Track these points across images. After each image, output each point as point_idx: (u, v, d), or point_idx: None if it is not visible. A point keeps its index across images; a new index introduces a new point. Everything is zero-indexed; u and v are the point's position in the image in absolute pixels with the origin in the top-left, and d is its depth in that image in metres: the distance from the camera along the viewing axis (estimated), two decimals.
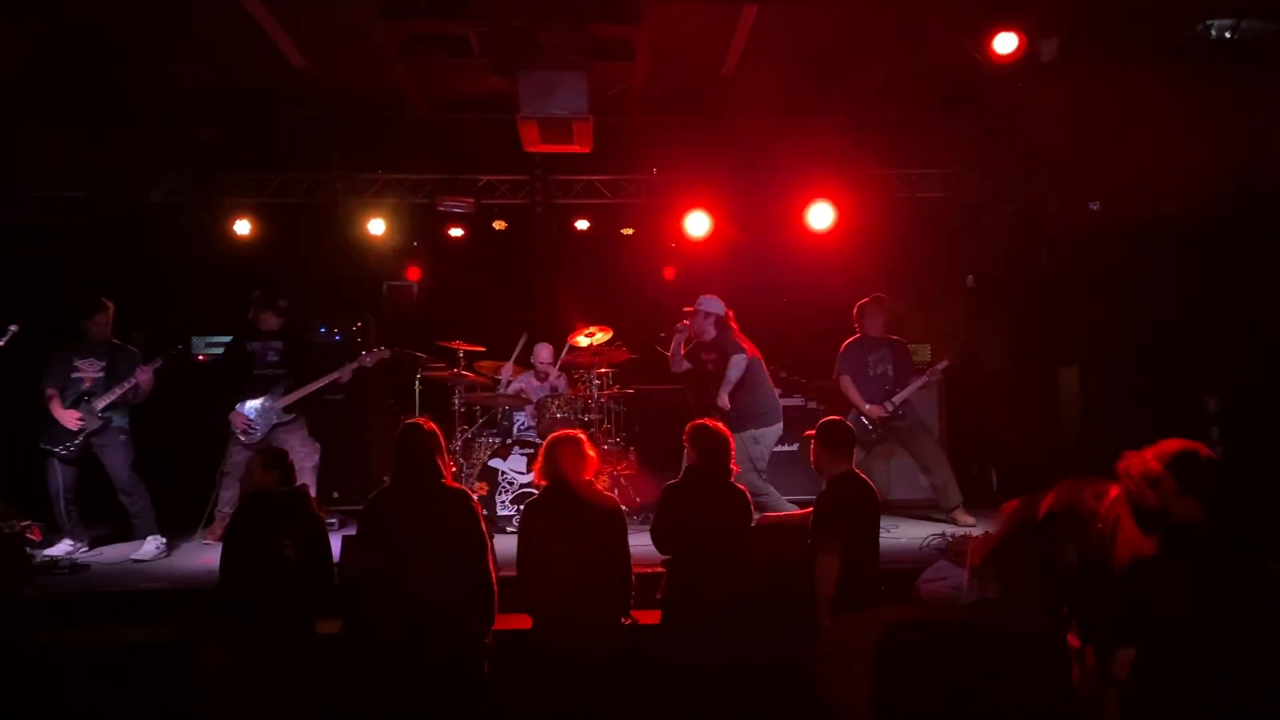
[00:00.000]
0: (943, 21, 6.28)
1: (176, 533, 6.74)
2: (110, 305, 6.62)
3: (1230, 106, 5.90)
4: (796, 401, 7.99)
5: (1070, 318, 7.99)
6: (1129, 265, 7.16)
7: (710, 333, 6.90)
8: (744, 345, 6.83)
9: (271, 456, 4.57)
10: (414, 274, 9.65)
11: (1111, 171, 7.10)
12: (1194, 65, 5.87)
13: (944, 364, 7.21)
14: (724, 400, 6.64)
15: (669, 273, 9.70)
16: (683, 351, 7.04)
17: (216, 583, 4.45)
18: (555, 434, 4.56)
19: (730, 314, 6.98)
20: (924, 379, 7.08)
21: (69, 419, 6.34)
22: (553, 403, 7.44)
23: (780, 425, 6.82)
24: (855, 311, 7.23)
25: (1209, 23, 5.65)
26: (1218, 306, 6.70)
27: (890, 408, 6.94)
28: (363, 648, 4.21)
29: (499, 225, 9.16)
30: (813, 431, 4.76)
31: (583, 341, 7.99)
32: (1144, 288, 7.13)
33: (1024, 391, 8.36)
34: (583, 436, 4.52)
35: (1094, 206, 7.40)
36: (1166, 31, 5.91)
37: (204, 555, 6.44)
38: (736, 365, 6.63)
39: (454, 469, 6.96)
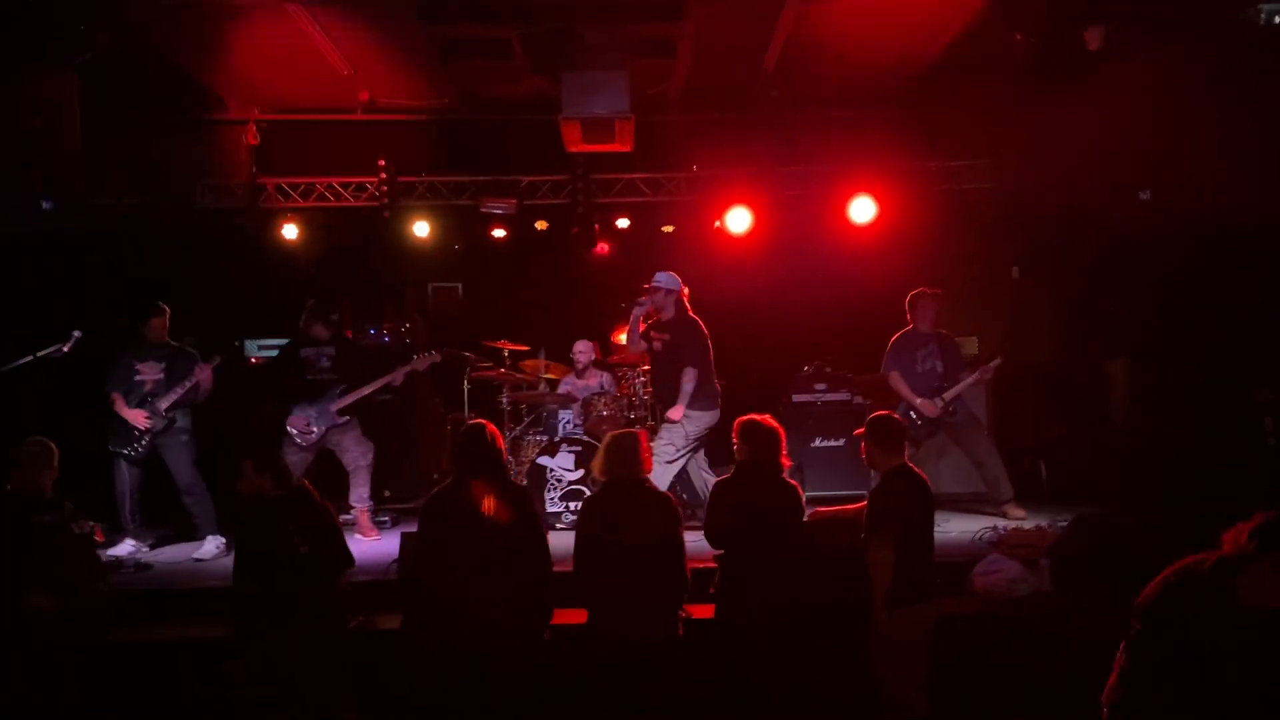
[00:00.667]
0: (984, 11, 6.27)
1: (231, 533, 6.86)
2: (166, 308, 6.77)
3: None
4: (842, 396, 7.97)
5: (1119, 308, 7.90)
6: (1179, 255, 7.07)
7: (669, 312, 6.86)
8: (701, 330, 6.81)
9: (264, 460, 4.63)
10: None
11: (1161, 160, 7.02)
12: (1245, 51, 5.79)
13: (997, 362, 7.13)
14: (678, 413, 6.62)
15: (602, 248, 9.66)
16: (641, 329, 7.01)
17: (232, 586, 4.58)
18: (616, 431, 4.64)
19: (686, 294, 6.93)
20: (976, 376, 7.02)
21: (138, 418, 6.49)
22: (599, 400, 7.50)
23: (716, 415, 6.77)
24: (907, 302, 7.17)
25: (1260, 7, 5.57)
26: (1270, 296, 6.61)
27: (941, 404, 6.90)
28: (422, 642, 4.29)
29: (541, 225, 9.22)
30: (863, 429, 4.75)
31: (624, 339, 8.03)
32: (1195, 277, 7.05)
33: (1073, 384, 8.29)
34: (642, 434, 4.58)
35: (1144, 196, 7.29)
36: (1216, 16, 5.83)
37: None
38: (690, 378, 6.60)
39: None
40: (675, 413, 6.61)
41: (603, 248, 9.48)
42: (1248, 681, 2.95)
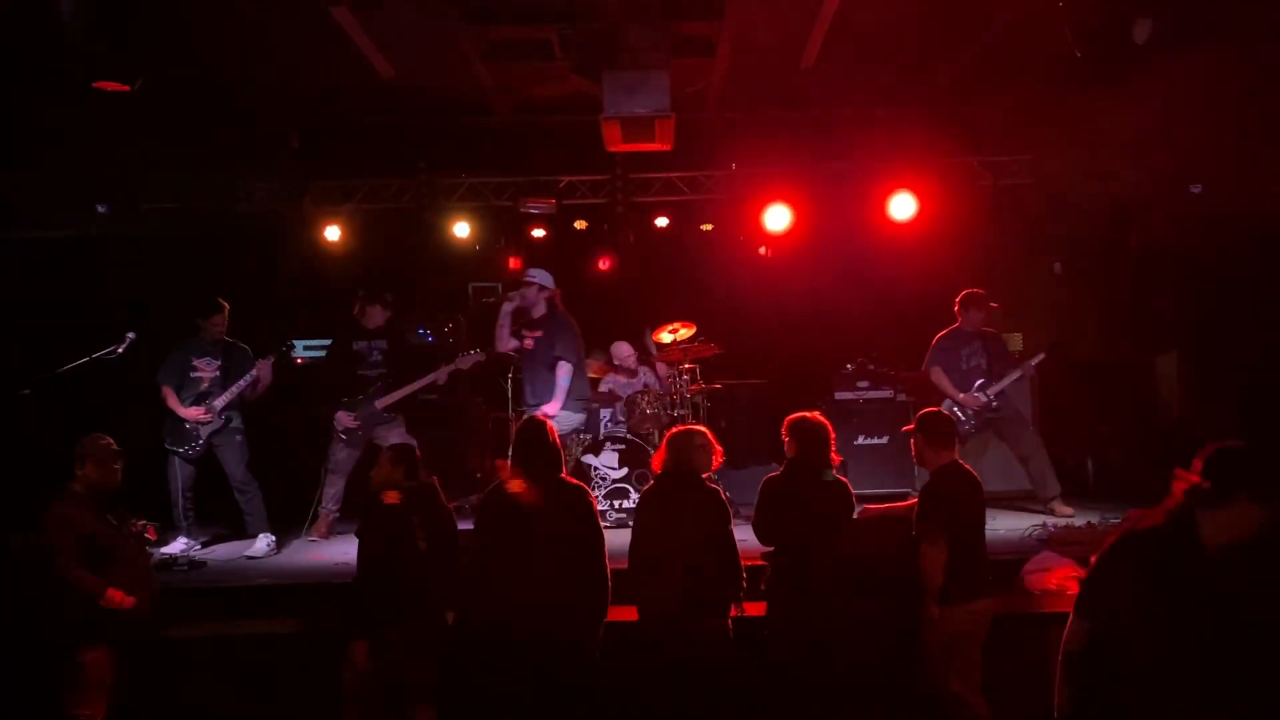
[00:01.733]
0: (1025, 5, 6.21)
1: (281, 530, 6.95)
2: (226, 305, 6.86)
3: None
4: (885, 394, 7.95)
5: (1166, 303, 7.81)
6: (1227, 249, 6.98)
7: (540, 309, 6.85)
8: (575, 329, 6.80)
9: (400, 452, 4.71)
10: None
11: (1210, 153, 6.93)
12: None
13: (1040, 357, 7.08)
14: (555, 408, 6.60)
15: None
16: (509, 326, 6.98)
17: (356, 575, 4.61)
18: (680, 427, 4.65)
19: (558, 294, 6.88)
20: (1020, 372, 6.98)
21: (195, 414, 6.59)
22: (643, 398, 7.52)
23: (582, 419, 6.79)
24: (959, 301, 7.13)
25: None
26: None
27: (985, 398, 6.86)
28: (479, 638, 4.32)
29: (580, 225, 9.25)
30: (912, 425, 4.74)
31: (666, 338, 8.05)
32: (1243, 271, 6.95)
33: (1119, 379, 8.21)
34: (704, 430, 4.59)
35: (1196, 190, 7.21)
36: (1268, 6, 5.74)
37: (312, 552, 6.66)
38: (565, 373, 6.60)
39: None
40: (551, 408, 6.62)
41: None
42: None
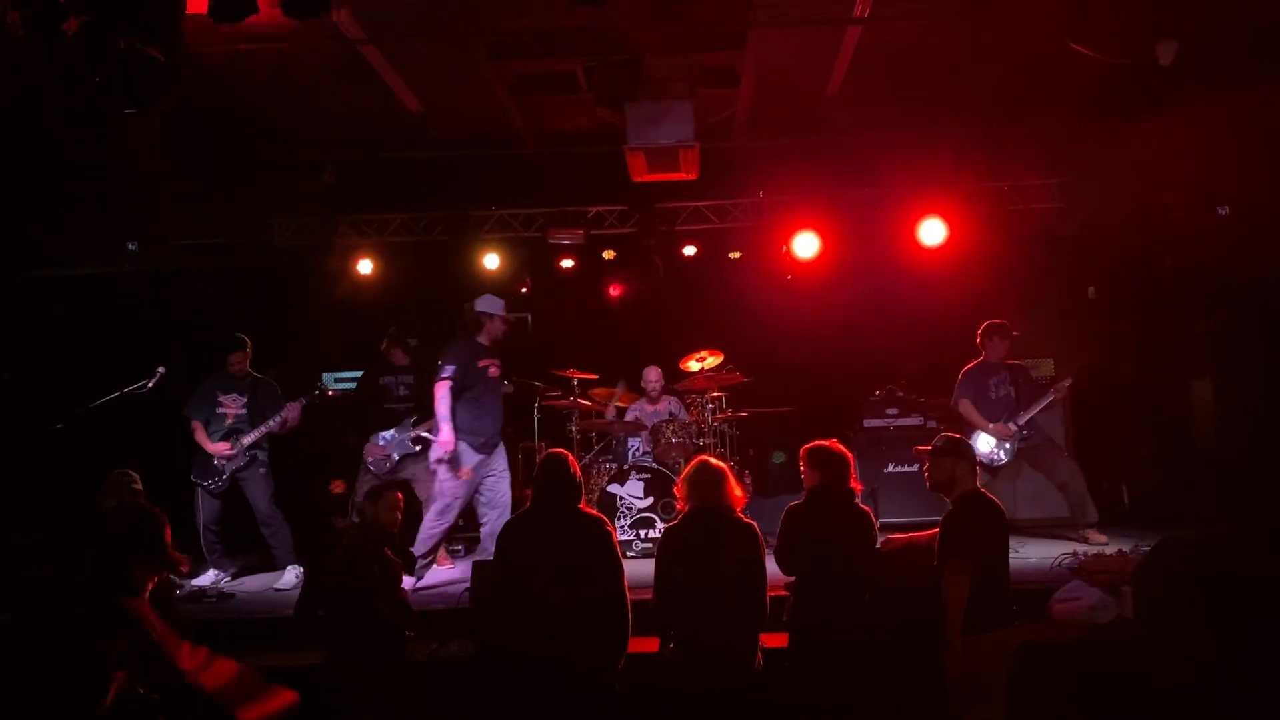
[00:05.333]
0: (1051, 30, 6.18)
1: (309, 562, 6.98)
2: (248, 341, 6.98)
3: None
4: (914, 421, 7.89)
5: (1201, 324, 7.68)
6: (1261, 271, 6.86)
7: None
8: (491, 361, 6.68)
9: (391, 500, 4.80)
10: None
11: (1240, 174, 6.84)
12: None
13: (1068, 382, 6.99)
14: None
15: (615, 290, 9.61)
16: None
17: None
18: (696, 460, 4.63)
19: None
20: (1049, 398, 6.90)
21: (222, 450, 6.69)
22: (668, 428, 7.51)
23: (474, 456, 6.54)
24: (980, 333, 7.08)
25: None
26: None
27: (1015, 427, 6.78)
28: (498, 670, 4.32)
29: (608, 255, 9.31)
30: (927, 448, 4.67)
31: (694, 366, 8.05)
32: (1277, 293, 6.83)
33: (1154, 404, 8.07)
34: (720, 463, 4.57)
35: (1222, 211, 7.11)
36: None
37: None
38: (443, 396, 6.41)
39: None
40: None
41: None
42: None
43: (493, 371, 6.70)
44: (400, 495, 4.91)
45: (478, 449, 6.50)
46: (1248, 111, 6.00)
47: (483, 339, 6.69)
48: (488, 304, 6.75)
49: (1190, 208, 7.45)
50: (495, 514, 6.56)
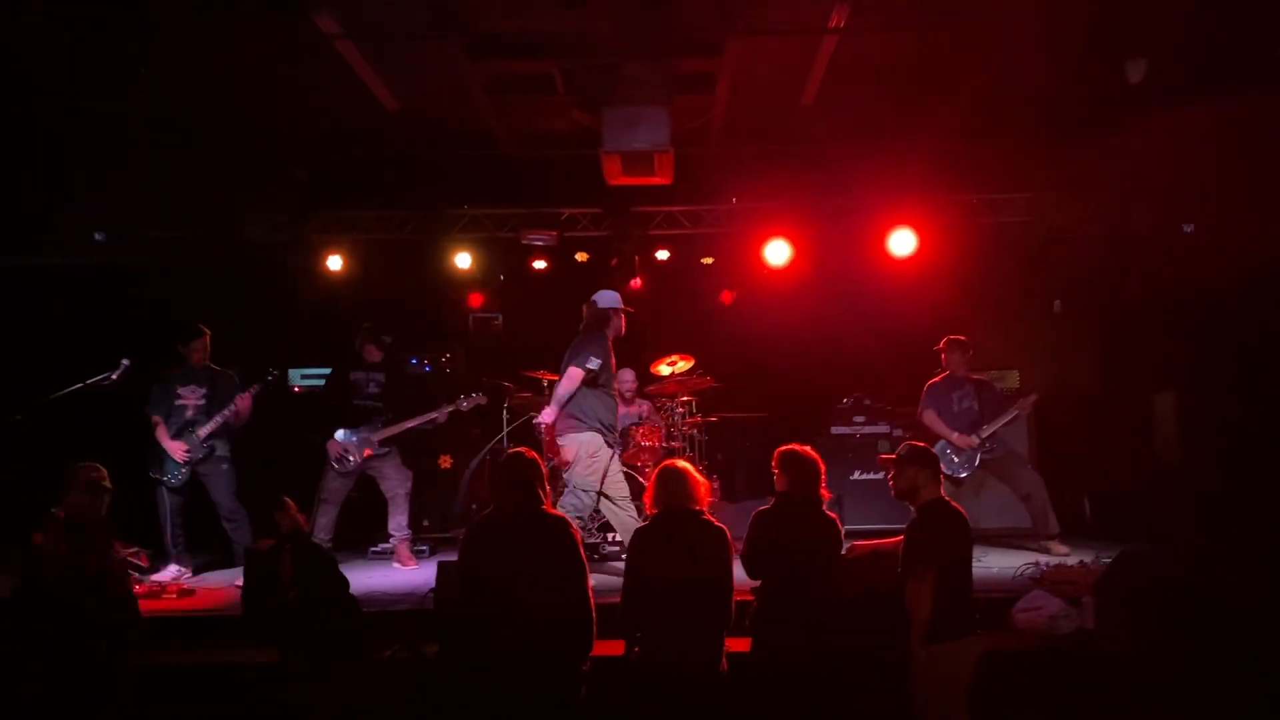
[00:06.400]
0: (1026, 43, 6.27)
1: None
2: (207, 332, 6.91)
3: None
4: (881, 429, 7.95)
5: (1165, 341, 7.80)
6: (1226, 287, 6.99)
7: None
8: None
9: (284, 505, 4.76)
10: (476, 300, 9.78)
11: (1205, 193, 6.96)
12: None
13: (1033, 398, 7.12)
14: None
15: (726, 297, 9.65)
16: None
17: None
18: (665, 462, 4.63)
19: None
20: (1012, 414, 7.00)
21: (177, 450, 6.63)
22: (638, 431, 7.52)
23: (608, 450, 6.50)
24: (940, 347, 7.23)
25: None
26: None
27: (978, 440, 6.89)
28: (461, 672, 4.30)
29: (581, 257, 9.30)
30: (892, 456, 4.71)
31: (665, 370, 8.06)
32: (1242, 310, 6.95)
33: (1117, 417, 8.18)
34: (689, 465, 4.58)
35: (1188, 229, 7.24)
36: (1262, 51, 5.78)
37: None
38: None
39: None
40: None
41: (637, 282, 9.53)
42: None
43: (614, 367, 6.74)
44: (289, 501, 4.79)
45: (610, 444, 6.47)
46: (1214, 129, 6.09)
47: (609, 333, 6.68)
48: (613, 300, 6.76)
49: (1156, 225, 7.57)
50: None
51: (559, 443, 6.41)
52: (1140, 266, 8.14)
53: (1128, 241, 8.10)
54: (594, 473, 6.32)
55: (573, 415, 6.34)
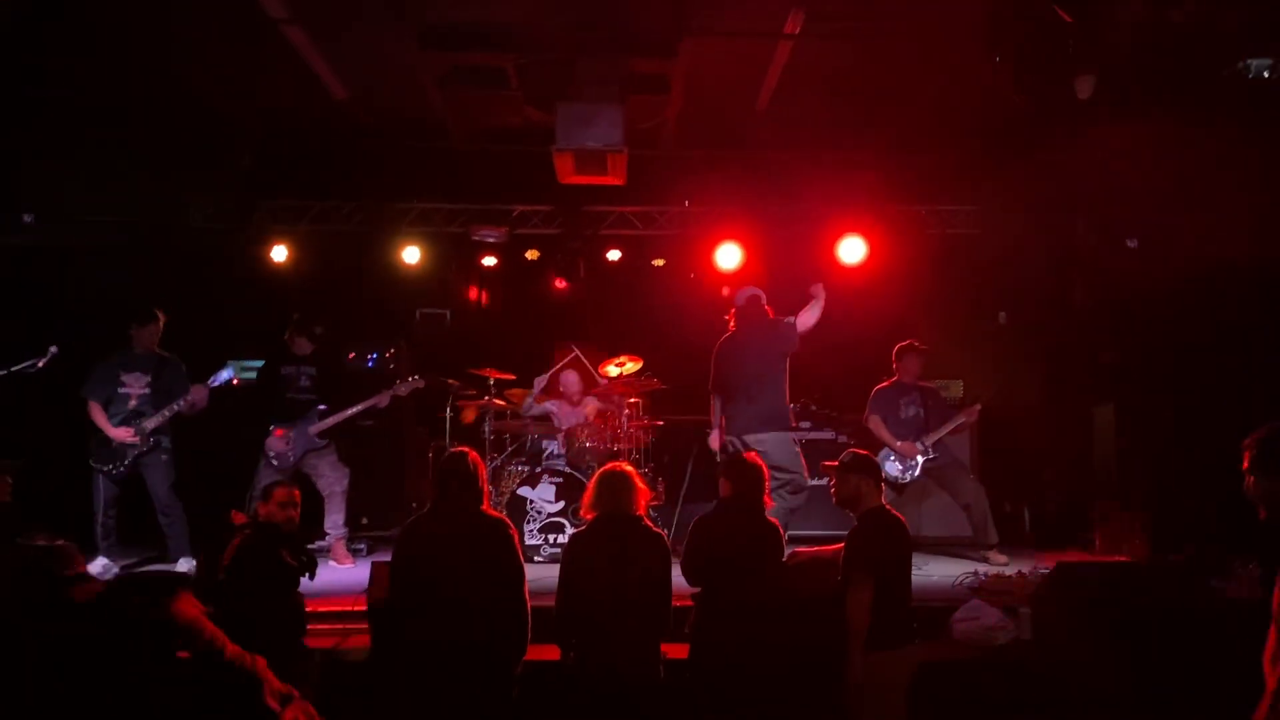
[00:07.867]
0: (976, 58, 6.31)
1: (205, 554, 6.73)
2: (162, 315, 6.68)
3: (1268, 146, 5.89)
4: (827, 435, 7.97)
5: (1106, 355, 7.93)
6: (1166, 302, 7.11)
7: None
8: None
9: (284, 497, 4.66)
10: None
11: (1149, 208, 7.07)
12: (1233, 105, 5.85)
13: (978, 407, 7.18)
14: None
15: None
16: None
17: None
18: (606, 467, 4.57)
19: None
20: (958, 421, 7.06)
21: (123, 435, 6.40)
22: (582, 432, 7.44)
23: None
24: (894, 353, 7.22)
25: (1248, 62, 5.61)
26: (1257, 344, 6.63)
27: (922, 447, 6.93)
28: (393, 672, 4.21)
29: (531, 255, 9.22)
30: (834, 463, 4.69)
31: (613, 371, 8.00)
32: (1182, 325, 7.08)
33: (1058, 429, 8.29)
34: (631, 470, 4.52)
35: (1132, 244, 7.36)
36: (1205, 70, 5.88)
37: None
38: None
39: None
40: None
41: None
42: None
43: None
44: (296, 492, 4.71)
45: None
46: (1158, 145, 6.19)
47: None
48: (749, 291, 6.90)
49: (1101, 239, 7.68)
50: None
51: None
52: (1084, 280, 8.26)
53: (1073, 255, 8.21)
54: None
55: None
